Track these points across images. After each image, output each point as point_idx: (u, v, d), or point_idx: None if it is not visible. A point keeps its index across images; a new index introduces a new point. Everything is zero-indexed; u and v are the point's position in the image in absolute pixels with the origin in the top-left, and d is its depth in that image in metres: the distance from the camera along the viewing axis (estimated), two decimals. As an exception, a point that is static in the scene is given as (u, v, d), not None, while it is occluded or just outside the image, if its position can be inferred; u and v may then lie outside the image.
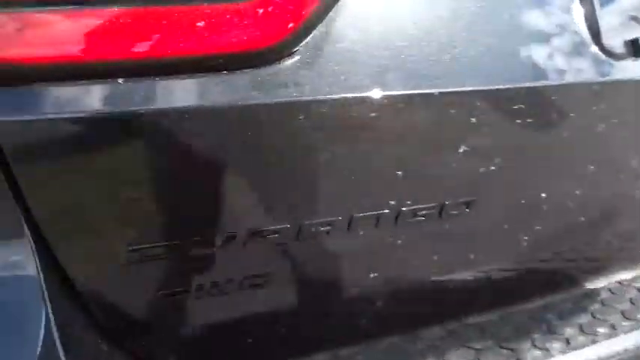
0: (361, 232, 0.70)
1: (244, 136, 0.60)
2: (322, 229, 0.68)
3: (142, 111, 0.55)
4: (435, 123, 0.69)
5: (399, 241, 0.74)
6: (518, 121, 0.73)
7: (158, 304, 0.64)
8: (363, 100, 0.63)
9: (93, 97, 0.55)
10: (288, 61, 0.60)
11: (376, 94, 0.63)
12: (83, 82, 0.54)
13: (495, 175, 0.75)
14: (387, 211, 0.70)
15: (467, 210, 0.75)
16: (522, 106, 0.72)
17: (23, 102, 0.53)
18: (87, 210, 0.59)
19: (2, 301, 0.54)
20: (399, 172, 0.69)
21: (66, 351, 0.55)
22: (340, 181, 0.67)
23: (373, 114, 0.64)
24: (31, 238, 0.56)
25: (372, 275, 0.76)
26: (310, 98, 0.60)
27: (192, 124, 0.57)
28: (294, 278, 0.72)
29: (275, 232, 0.65)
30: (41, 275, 0.56)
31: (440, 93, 0.66)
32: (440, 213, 0.74)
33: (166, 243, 0.61)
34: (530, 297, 0.95)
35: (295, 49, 0.59)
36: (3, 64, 0.51)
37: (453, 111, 0.68)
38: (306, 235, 0.67)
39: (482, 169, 0.74)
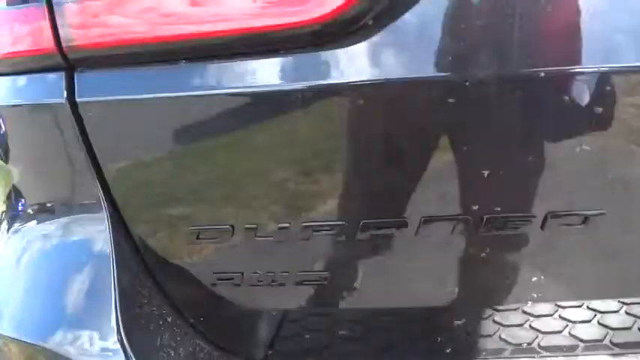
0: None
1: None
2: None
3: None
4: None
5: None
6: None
7: (217, 283, 0.67)
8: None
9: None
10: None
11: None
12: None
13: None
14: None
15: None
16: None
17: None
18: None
19: (79, 267, 0.61)
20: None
21: (131, 321, 0.61)
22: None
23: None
24: (108, 212, 0.63)
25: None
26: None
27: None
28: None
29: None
30: (113, 250, 0.62)
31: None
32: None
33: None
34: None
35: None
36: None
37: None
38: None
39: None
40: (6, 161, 0.71)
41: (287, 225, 0.62)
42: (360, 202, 0.63)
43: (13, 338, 0.67)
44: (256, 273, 0.65)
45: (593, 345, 0.75)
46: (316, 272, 0.65)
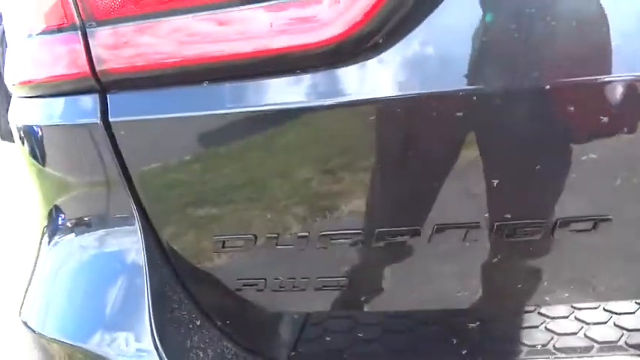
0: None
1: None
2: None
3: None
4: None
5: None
6: None
7: (241, 289, 0.71)
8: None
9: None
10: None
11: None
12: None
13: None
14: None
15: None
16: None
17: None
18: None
19: (115, 275, 0.66)
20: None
21: (163, 324, 0.66)
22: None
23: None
24: (140, 224, 0.68)
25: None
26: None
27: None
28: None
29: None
30: (146, 259, 0.67)
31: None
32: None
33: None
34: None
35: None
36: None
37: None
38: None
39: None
40: (46, 178, 0.76)
41: (306, 234, 0.66)
42: (375, 213, 0.66)
43: (56, 339, 0.72)
44: (278, 279, 0.69)
45: (608, 346, 0.76)
46: (335, 278, 0.69)
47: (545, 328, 0.79)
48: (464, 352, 0.74)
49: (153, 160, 0.67)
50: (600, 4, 0.57)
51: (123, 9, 0.62)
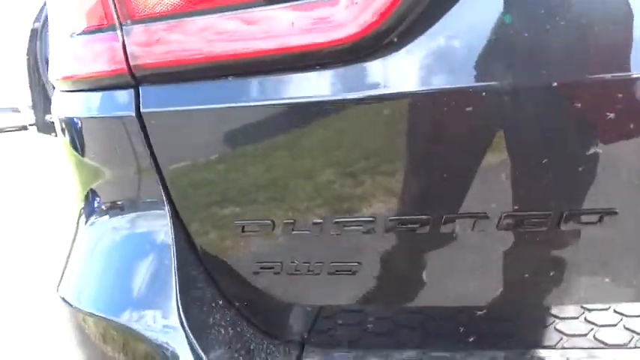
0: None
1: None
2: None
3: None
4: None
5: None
6: None
7: (259, 272, 0.76)
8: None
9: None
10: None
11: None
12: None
13: None
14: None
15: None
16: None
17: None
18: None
19: (144, 255, 0.72)
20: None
21: (188, 303, 0.71)
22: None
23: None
24: (168, 209, 0.73)
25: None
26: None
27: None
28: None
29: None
30: (174, 241, 0.72)
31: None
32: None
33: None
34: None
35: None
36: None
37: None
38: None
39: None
40: (83, 165, 0.83)
41: (320, 221, 0.70)
42: (386, 202, 0.69)
43: (91, 313, 0.78)
44: (294, 262, 0.73)
45: (615, 345, 0.77)
46: (347, 263, 0.72)
47: (553, 324, 0.81)
48: (471, 340, 0.76)
49: (180, 149, 0.72)
50: (617, 5, 0.59)
51: (156, 9, 0.67)
